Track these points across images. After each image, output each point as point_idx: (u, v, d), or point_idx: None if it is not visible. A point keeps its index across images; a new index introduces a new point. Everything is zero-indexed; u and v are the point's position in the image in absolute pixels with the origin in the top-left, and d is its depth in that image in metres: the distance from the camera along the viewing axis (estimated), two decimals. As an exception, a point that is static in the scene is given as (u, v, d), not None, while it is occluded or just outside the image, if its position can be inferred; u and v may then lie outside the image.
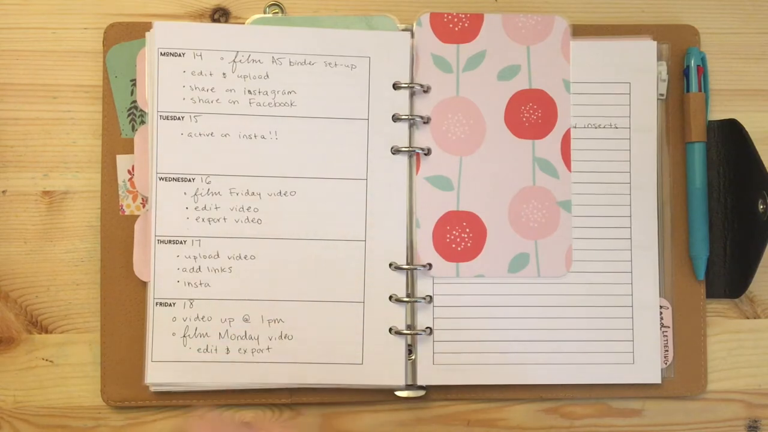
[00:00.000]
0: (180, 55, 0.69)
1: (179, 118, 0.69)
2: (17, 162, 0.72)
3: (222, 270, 0.69)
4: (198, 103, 0.69)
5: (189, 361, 0.68)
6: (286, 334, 0.69)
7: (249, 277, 0.69)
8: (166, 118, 0.69)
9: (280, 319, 0.69)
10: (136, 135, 0.70)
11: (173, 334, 0.68)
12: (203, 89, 0.69)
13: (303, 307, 0.69)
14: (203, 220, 0.69)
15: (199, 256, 0.69)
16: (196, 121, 0.69)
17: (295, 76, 0.70)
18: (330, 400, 0.71)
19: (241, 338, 0.69)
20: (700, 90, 0.72)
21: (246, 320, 0.69)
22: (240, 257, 0.69)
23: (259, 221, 0.69)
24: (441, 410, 0.72)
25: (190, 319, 0.68)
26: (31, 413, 0.71)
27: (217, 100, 0.69)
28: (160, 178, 0.69)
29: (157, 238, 0.69)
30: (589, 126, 0.72)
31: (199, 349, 0.68)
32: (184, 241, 0.69)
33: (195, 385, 0.69)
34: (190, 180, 0.69)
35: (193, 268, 0.69)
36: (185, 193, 0.69)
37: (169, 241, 0.69)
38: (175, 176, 0.69)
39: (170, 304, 0.68)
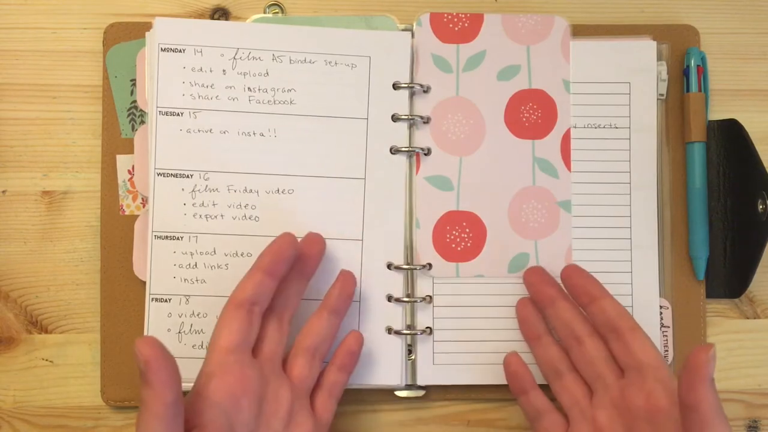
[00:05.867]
0: (180, 51, 0.69)
1: (178, 114, 0.69)
2: (17, 162, 0.72)
3: (218, 267, 0.69)
4: (197, 100, 0.69)
5: (184, 358, 0.68)
6: (284, 334, 0.69)
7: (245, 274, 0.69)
8: (166, 114, 0.69)
9: (279, 318, 0.69)
10: (136, 135, 0.70)
11: (168, 330, 0.68)
12: (203, 86, 0.69)
13: (301, 307, 0.69)
14: (200, 216, 0.69)
15: (196, 252, 0.68)
16: (195, 118, 0.69)
17: (295, 74, 0.70)
18: (329, 400, 0.71)
19: (238, 336, 0.69)
20: (700, 90, 0.72)
21: (242, 318, 0.69)
22: (237, 254, 0.69)
23: (257, 219, 0.69)
24: (441, 410, 0.72)
25: (185, 316, 0.68)
26: (31, 413, 0.71)
27: (216, 97, 0.69)
28: (158, 174, 0.69)
29: (154, 233, 0.68)
30: (589, 126, 0.72)
31: (194, 345, 0.68)
32: (181, 237, 0.69)
33: (190, 382, 0.69)
34: (188, 176, 0.69)
35: (189, 264, 0.68)
36: (183, 189, 0.69)
37: (166, 237, 0.68)
38: (173, 172, 0.69)
39: (166, 300, 0.68)
